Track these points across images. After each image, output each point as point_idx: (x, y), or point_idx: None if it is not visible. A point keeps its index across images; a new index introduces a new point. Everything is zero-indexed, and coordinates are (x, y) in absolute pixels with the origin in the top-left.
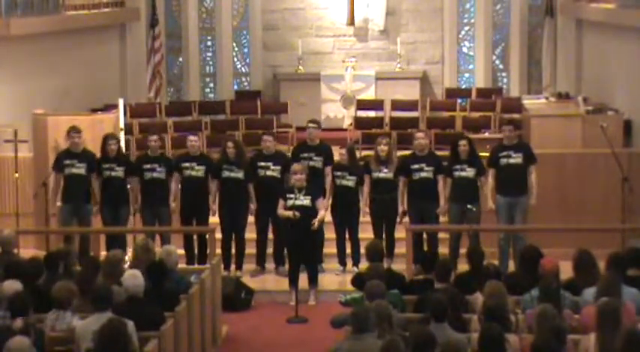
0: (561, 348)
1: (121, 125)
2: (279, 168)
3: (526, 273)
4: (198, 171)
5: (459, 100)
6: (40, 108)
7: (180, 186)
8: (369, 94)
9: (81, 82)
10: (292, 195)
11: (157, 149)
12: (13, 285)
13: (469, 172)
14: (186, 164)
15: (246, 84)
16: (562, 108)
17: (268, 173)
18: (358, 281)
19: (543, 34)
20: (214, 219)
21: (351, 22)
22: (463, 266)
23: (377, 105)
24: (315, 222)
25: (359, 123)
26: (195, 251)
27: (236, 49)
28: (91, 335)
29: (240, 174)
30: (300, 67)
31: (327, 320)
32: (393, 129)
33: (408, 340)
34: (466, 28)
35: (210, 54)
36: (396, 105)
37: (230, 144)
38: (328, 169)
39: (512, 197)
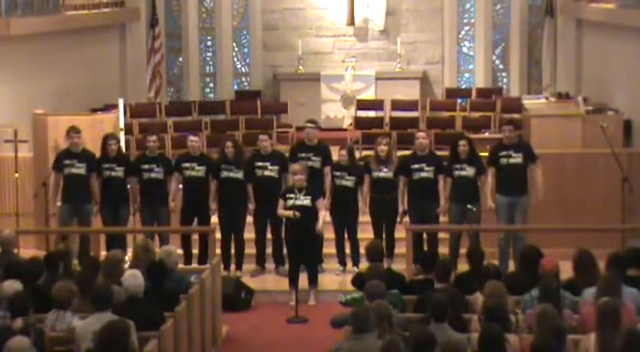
0: (561, 348)
1: (121, 125)
2: (276, 168)
3: (526, 273)
4: (198, 171)
5: (459, 100)
6: (40, 108)
7: (181, 186)
8: (369, 94)
9: (81, 82)
10: (292, 195)
11: (155, 149)
12: (13, 285)
13: (469, 171)
14: (187, 164)
15: (246, 84)
16: (562, 109)
17: (266, 173)
18: (358, 281)
19: (543, 34)
20: (214, 220)
21: (351, 22)
22: (463, 266)
23: (377, 105)
24: (319, 226)
25: (359, 123)
26: (196, 251)
27: (236, 49)
28: (91, 335)
29: (239, 174)
30: (300, 67)
31: (327, 320)
32: (393, 129)
33: (408, 340)
34: (466, 28)
35: (210, 54)
36: (396, 105)
37: (229, 144)
38: (327, 169)
39: (513, 197)
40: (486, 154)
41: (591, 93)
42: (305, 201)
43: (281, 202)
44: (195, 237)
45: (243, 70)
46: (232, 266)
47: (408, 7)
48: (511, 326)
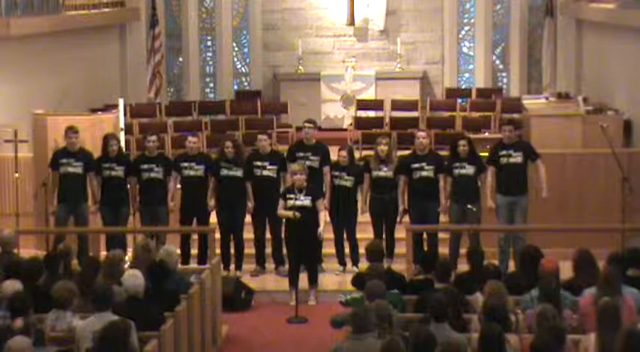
0: (561, 348)
1: (121, 125)
2: (275, 167)
3: (526, 273)
4: (197, 170)
5: (459, 100)
6: (40, 109)
7: (179, 185)
8: (369, 94)
9: (81, 82)
10: (292, 196)
11: (154, 149)
12: (13, 285)
13: (469, 170)
14: (185, 164)
15: (246, 84)
16: (562, 108)
17: (264, 173)
18: (358, 281)
19: (543, 34)
20: (213, 219)
21: (351, 22)
22: (463, 266)
23: (377, 105)
24: (321, 230)
25: (359, 123)
26: (195, 251)
27: (236, 49)
28: (91, 335)
29: (238, 173)
30: (300, 67)
31: (327, 320)
32: (393, 129)
33: (408, 340)
34: (466, 28)
35: (210, 54)
36: (396, 105)
37: (229, 143)
38: (326, 169)
39: (513, 196)
40: (486, 154)
41: (591, 93)
42: (305, 201)
43: (281, 202)
44: (195, 236)
45: (243, 70)
46: (232, 266)
47: (408, 7)
48: (511, 326)
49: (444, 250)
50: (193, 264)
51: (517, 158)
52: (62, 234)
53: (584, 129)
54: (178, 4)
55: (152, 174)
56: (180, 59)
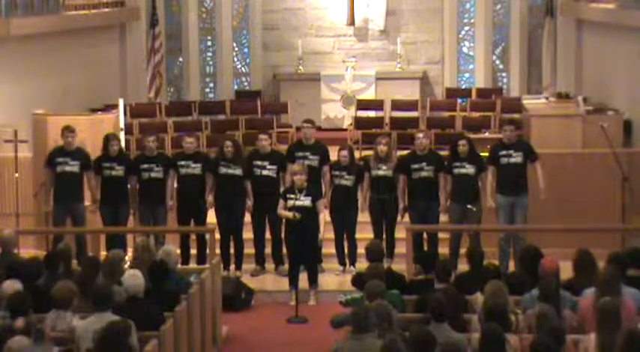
0: (560, 349)
1: (121, 125)
2: (275, 167)
3: (526, 273)
4: (194, 168)
5: (459, 100)
6: (40, 109)
7: (177, 184)
8: (369, 94)
9: (81, 82)
10: (293, 196)
11: (154, 150)
12: (13, 285)
13: (469, 170)
14: (182, 162)
15: (246, 84)
16: (562, 109)
17: (264, 172)
18: (358, 281)
19: (543, 34)
20: (212, 219)
21: (351, 22)
22: (463, 266)
23: (377, 105)
24: (321, 239)
25: (359, 123)
26: (194, 251)
27: (236, 49)
28: (91, 335)
29: (237, 171)
30: (300, 67)
31: (327, 321)
32: (393, 129)
33: (408, 340)
34: (466, 28)
35: (210, 54)
36: (396, 105)
37: (228, 143)
38: (325, 168)
39: (513, 196)
40: (486, 154)
41: (591, 93)
42: (305, 201)
43: (281, 202)
44: (194, 236)
45: (243, 70)
46: (232, 266)
47: (408, 7)
48: (511, 326)
49: (444, 250)
50: (193, 264)
51: (517, 158)
52: (61, 234)
53: (584, 129)
54: (178, 4)
55: (152, 174)
56: (181, 59)
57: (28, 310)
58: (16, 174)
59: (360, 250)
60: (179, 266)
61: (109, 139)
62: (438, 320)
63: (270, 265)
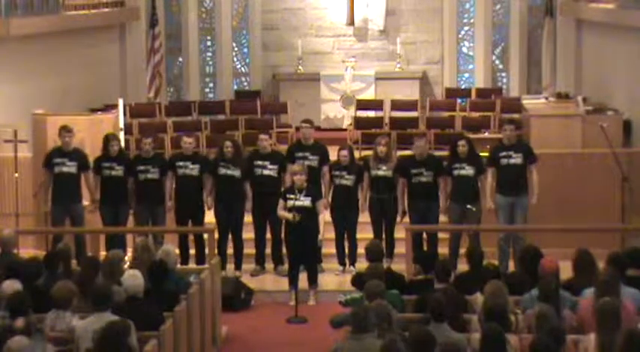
0: (560, 349)
1: (121, 125)
2: (276, 167)
3: (526, 273)
4: (192, 169)
5: (458, 100)
6: (40, 109)
7: (174, 185)
8: (369, 94)
9: (81, 82)
10: (292, 196)
11: (150, 151)
12: (12, 285)
13: (469, 171)
14: (181, 163)
15: (245, 84)
16: (562, 109)
17: (265, 172)
18: (358, 281)
19: (543, 34)
20: (210, 219)
21: (351, 22)
22: (463, 267)
23: (377, 105)
24: (320, 240)
25: (359, 123)
26: (193, 251)
27: (236, 49)
28: (90, 335)
29: (236, 172)
30: (300, 67)
31: (326, 321)
32: (392, 129)
33: (408, 340)
34: (466, 28)
35: (209, 54)
36: (396, 105)
37: (228, 143)
38: (325, 168)
39: (513, 197)
40: (486, 154)
41: (591, 93)
42: (305, 201)
43: (281, 202)
44: (192, 236)
45: (243, 70)
46: (229, 266)
47: (408, 7)
48: (511, 327)
49: (443, 250)
50: (192, 264)
51: (517, 159)
52: (61, 234)
53: (583, 129)
54: (178, 5)
55: (149, 175)
56: (180, 59)
57: (28, 310)
58: (16, 174)
59: (360, 250)
60: (178, 266)
61: (109, 139)
62: (437, 320)
63: (269, 265)
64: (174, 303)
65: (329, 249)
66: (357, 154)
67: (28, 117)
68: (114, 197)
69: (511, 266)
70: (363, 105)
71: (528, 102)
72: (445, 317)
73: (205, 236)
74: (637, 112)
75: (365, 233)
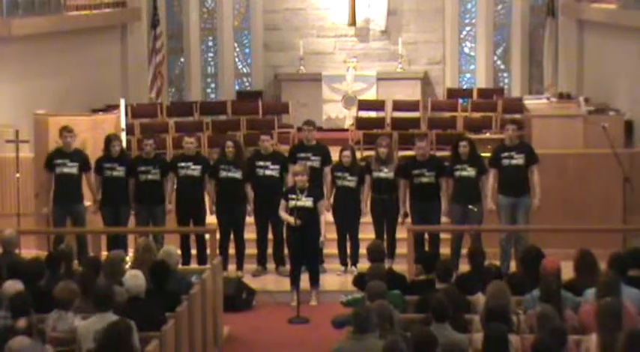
0: (561, 349)
1: (123, 125)
2: (277, 167)
3: (527, 274)
4: (194, 170)
5: (460, 101)
6: (42, 109)
7: (176, 186)
8: (371, 95)
9: (82, 82)
10: (294, 196)
11: (152, 152)
12: (14, 285)
13: (470, 172)
14: (183, 164)
15: (247, 84)
16: (563, 109)
17: (267, 172)
18: (359, 281)
19: (545, 35)
20: (212, 219)
21: (353, 22)
22: (464, 267)
23: (378, 105)
24: (322, 241)
25: (360, 123)
26: (194, 251)
27: (237, 49)
28: (92, 335)
29: (237, 174)
30: (302, 68)
31: (328, 321)
32: (394, 130)
33: (409, 340)
34: (467, 28)
35: (211, 54)
36: (398, 105)
37: (229, 143)
38: (327, 169)
39: (515, 197)
40: (488, 155)
41: (592, 93)
42: (307, 202)
43: (283, 203)
44: (194, 236)
45: (245, 71)
46: (230, 267)
47: (410, 8)
48: (512, 327)
49: (445, 250)
50: (194, 265)
51: (519, 160)
52: (62, 235)
53: (585, 130)
54: (180, 5)
55: (149, 176)
56: (182, 59)
57: (30, 310)
58: (18, 175)
59: (362, 250)
60: (180, 266)
61: (110, 140)
62: (439, 320)
63: (271, 265)
64: (176, 304)
65: (331, 249)
66: (358, 155)
67: (29, 117)
68: (115, 198)
69: (513, 266)
70: (364, 105)
71: (530, 102)
72: (447, 317)
73: (207, 236)
74: (638, 112)
75: (367, 233)
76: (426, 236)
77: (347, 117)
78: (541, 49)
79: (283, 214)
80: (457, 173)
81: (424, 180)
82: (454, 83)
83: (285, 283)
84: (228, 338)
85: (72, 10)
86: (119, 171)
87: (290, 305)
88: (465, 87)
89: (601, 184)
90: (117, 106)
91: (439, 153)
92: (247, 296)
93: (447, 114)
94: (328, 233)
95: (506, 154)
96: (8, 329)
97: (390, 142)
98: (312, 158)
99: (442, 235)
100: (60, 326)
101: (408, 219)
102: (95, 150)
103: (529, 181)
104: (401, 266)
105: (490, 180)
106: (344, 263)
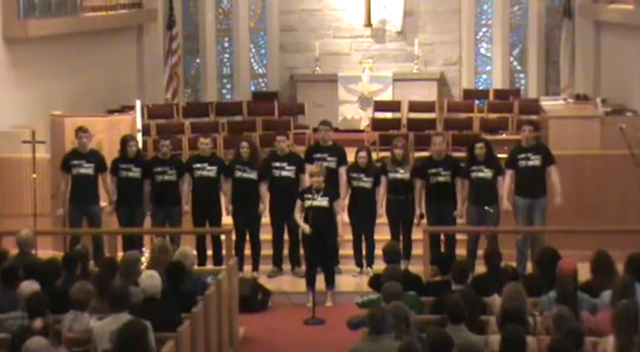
0: (578, 351)
1: (139, 126)
2: (294, 168)
3: (544, 275)
4: (210, 171)
5: (476, 102)
6: (58, 110)
7: (191, 187)
8: (387, 95)
9: (98, 83)
10: (310, 196)
11: (168, 153)
12: (31, 286)
13: (486, 173)
14: (198, 165)
15: (263, 85)
16: (580, 110)
17: (283, 173)
18: (375, 282)
19: (561, 36)
20: (227, 220)
21: (369, 23)
22: (481, 268)
23: (394, 106)
24: (339, 242)
25: (376, 124)
26: (210, 252)
27: (253, 50)
28: (108, 335)
29: (252, 175)
30: (318, 68)
31: (344, 322)
32: (410, 131)
33: (425, 342)
34: (484, 29)
35: (227, 55)
36: (414, 106)
37: (244, 144)
38: (342, 170)
39: (531, 198)
40: (504, 156)
41: (609, 94)
42: (323, 201)
43: (298, 203)
44: (210, 237)
45: (261, 71)
46: (246, 267)
47: (426, 9)
48: (529, 328)
49: (461, 252)
50: (210, 266)
51: (535, 161)
52: (78, 236)
53: (602, 131)
54: (195, 6)
55: (166, 177)
56: (198, 60)
57: (46, 311)
58: (34, 175)
59: (378, 252)
60: (196, 267)
61: (126, 141)
62: (455, 321)
63: (287, 266)
64: (192, 304)
65: (346, 250)
66: (374, 156)
67: (46, 118)
68: (130, 198)
69: (529, 267)
70: (380, 106)
71: (546, 103)
72: (463, 318)
73: (222, 237)
74: None
75: (382, 234)
76: (442, 237)
77: (363, 118)
78: (557, 50)
79: (298, 219)
80: (473, 174)
81: (440, 179)
82: (470, 84)
83: (301, 284)
84: (244, 339)
85: (88, 12)
86: (135, 172)
87: (305, 306)
88: (481, 88)
89: (618, 186)
90: (133, 107)
91: (455, 155)
92: (263, 297)
93: (463, 115)
94: (344, 234)
95: (522, 155)
96: (25, 330)
97: (405, 143)
98: (329, 158)
99: (458, 236)
100: (76, 327)
101: (424, 220)
102: (111, 151)
103: (546, 182)
104: (417, 268)
105: (507, 181)
106: (359, 264)
